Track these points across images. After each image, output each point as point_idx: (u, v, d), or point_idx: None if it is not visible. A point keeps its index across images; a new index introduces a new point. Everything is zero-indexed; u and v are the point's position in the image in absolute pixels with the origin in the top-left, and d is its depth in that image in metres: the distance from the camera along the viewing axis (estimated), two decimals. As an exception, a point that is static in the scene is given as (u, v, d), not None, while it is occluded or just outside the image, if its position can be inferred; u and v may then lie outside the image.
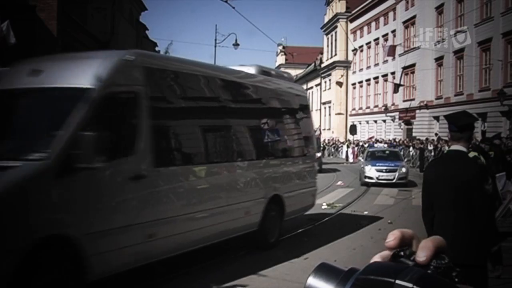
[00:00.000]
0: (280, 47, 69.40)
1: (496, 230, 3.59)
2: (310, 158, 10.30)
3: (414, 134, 34.59)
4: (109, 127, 5.47)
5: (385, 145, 31.06)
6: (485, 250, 3.69)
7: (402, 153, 24.90)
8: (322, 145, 33.43)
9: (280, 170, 8.97)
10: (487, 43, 27.34)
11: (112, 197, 5.44)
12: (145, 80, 5.98)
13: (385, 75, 41.35)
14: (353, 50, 44.21)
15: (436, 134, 29.66)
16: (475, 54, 27.94)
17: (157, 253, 5.95)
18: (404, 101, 37.09)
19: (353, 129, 39.76)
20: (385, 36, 41.57)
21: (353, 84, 49.45)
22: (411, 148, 30.25)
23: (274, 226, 8.42)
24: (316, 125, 54.44)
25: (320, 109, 56.33)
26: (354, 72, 49.08)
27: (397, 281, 0.55)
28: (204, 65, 8.19)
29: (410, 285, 0.54)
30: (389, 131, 40.37)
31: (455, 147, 3.82)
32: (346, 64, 50.42)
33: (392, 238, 0.62)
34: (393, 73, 38.90)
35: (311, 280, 0.60)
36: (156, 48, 32.71)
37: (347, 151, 37.73)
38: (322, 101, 55.54)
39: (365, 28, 46.47)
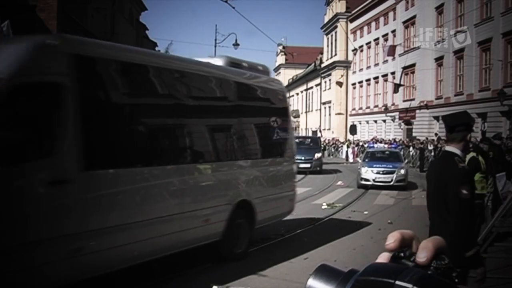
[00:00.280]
0: (280, 47, 69.45)
1: (473, 235, 3.57)
2: (287, 160, 9.24)
3: (414, 134, 34.61)
4: (19, 124, 4.74)
5: (385, 145, 30.99)
6: (457, 254, 3.64)
7: (402, 153, 24.68)
8: (322, 145, 33.34)
9: (250, 173, 8.07)
10: (487, 43, 27.35)
11: (21, 205, 4.56)
12: (72, 69, 5.10)
13: (385, 75, 41.35)
14: (353, 50, 44.23)
15: (436, 134, 29.66)
16: (475, 54, 27.95)
17: (85, 270, 5.05)
18: (404, 101, 37.10)
19: (353, 129, 39.76)
20: (385, 36, 41.58)
21: (353, 84, 49.45)
22: (411, 148, 30.26)
23: (242, 235, 7.57)
24: (316, 125, 54.86)
25: (320, 109, 56.36)
26: (354, 72, 49.09)
27: (397, 282, 0.55)
28: (154, 54, 7.30)
29: (410, 286, 0.54)
30: (389, 131, 40.38)
31: (447, 148, 3.89)
32: (346, 64, 50.41)
33: (392, 240, 0.62)
34: (393, 73, 38.91)
35: (311, 282, 0.60)
36: (156, 48, 32.71)
37: (347, 151, 37.73)
38: (322, 101, 55.55)
39: (365, 28, 46.47)
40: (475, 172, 8.26)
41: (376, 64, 43.47)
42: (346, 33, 46.87)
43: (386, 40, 40.65)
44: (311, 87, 60.92)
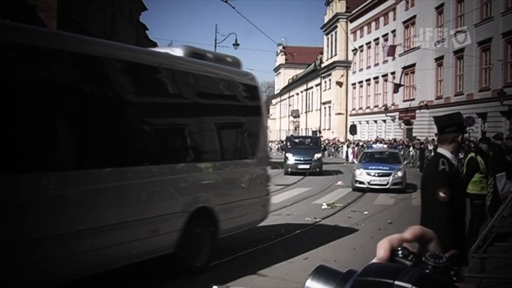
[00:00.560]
0: (280, 47, 69.51)
1: (454, 237, 3.56)
2: (259, 161, 8.26)
3: (414, 134, 34.63)
4: None
5: (385, 146, 30.94)
6: None
7: (402, 153, 24.54)
8: (322, 145, 33.29)
9: (211, 176, 7.23)
10: (487, 43, 27.36)
11: None
12: None
13: (385, 75, 41.37)
14: (353, 50, 44.25)
15: (436, 134, 29.60)
16: (475, 54, 27.96)
17: None
18: (404, 101, 37.12)
19: (353, 129, 39.77)
20: (385, 36, 41.60)
21: (353, 84, 49.47)
22: (411, 148, 30.26)
23: (201, 246, 6.73)
24: (316, 125, 54.86)
25: (320, 109, 56.40)
26: (354, 72, 49.11)
27: (396, 282, 0.54)
28: (91, 41, 6.31)
29: (409, 285, 0.54)
30: (389, 131, 40.39)
31: (438, 149, 3.93)
32: (346, 64, 50.44)
33: (382, 250, 0.62)
34: (393, 73, 38.93)
35: (309, 283, 0.60)
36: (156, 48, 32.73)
37: (347, 151, 37.76)
38: (322, 101, 55.58)
39: (365, 28, 46.49)
40: (474, 172, 8.26)
41: (376, 64, 43.49)
42: (346, 33, 46.90)
43: (386, 40, 40.68)
44: (311, 87, 60.94)
